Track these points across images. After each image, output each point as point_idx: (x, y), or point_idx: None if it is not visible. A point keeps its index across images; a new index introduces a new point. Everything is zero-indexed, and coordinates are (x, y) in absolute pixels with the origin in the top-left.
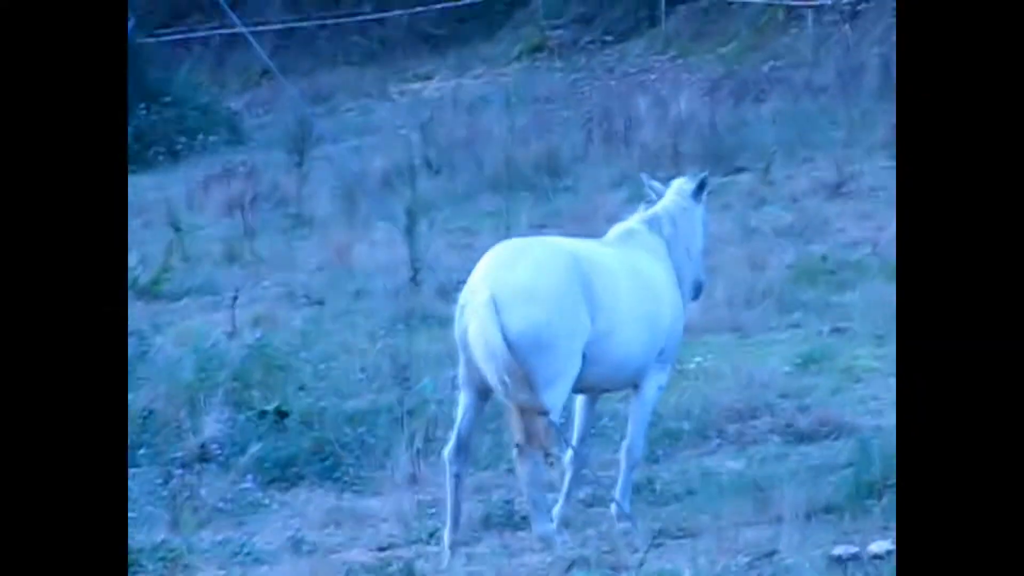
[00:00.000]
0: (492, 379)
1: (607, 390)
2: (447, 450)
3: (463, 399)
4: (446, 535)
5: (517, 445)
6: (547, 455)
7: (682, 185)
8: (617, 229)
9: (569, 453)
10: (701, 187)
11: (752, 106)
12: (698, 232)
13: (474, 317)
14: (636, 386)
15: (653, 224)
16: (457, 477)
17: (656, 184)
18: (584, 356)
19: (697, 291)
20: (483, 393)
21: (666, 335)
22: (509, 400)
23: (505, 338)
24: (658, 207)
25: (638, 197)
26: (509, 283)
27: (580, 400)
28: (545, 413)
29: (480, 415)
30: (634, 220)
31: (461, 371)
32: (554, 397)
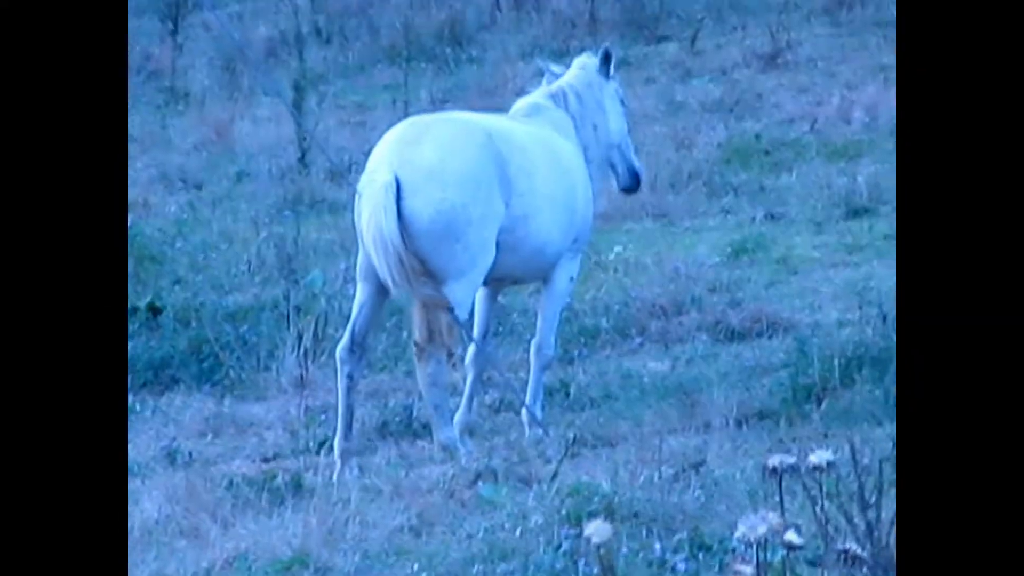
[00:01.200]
0: (386, 271)
1: (518, 282)
2: (340, 348)
3: (360, 292)
4: (336, 443)
5: (416, 344)
6: (450, 355)
7: (585, 60)
8: (521, 104)
9: (471, 351)
10: (606, 61)
11: None
12: (611, 110)
13: (371, 200)
14: (545, 277)
15: (558, 99)
16: (350, 378)
17: (554, 67)
18: (498, 244)
19: (635, 180)
20: (383, 287)
21: (580, 219)
22: (410, 294)
23: (409, 225)
24: (561, 81)
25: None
26: (414, 163)
27: (481, 293)
28: (450, 309)
29: (378, 311)
30: (538, 94)
31: (360, 261)
32: (462, 291)
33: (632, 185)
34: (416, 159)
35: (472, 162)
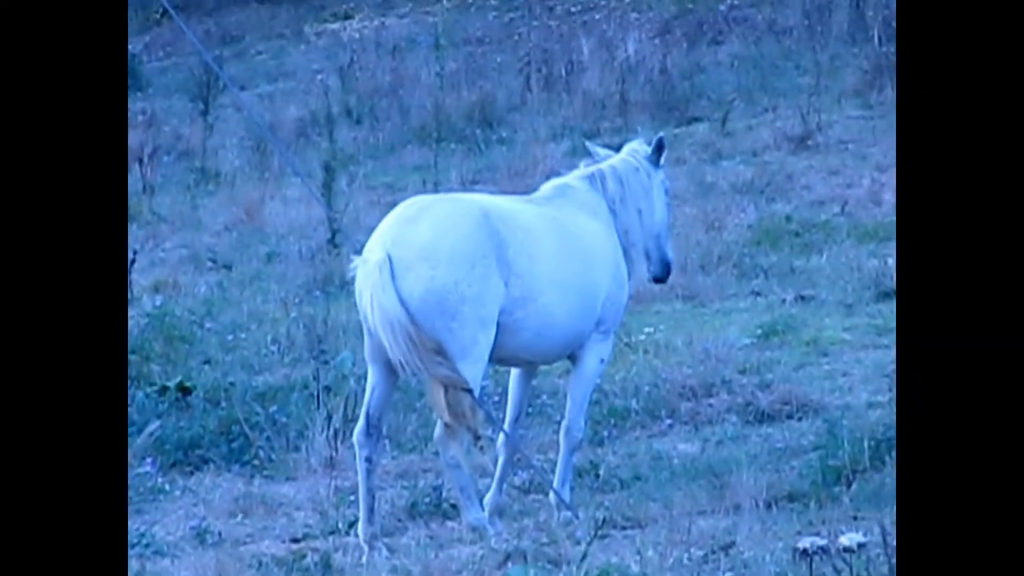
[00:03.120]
0: (392, 350)
1: (534, 362)
2: (356, 432)
3: (371, 374)
4: (361, 527)
5: (441, 425)
6: (476, 437)
7: (636, 146)
8: (550, 185)
9: (502, 436)
10: (659, 149)
11: (708, 49)
12: (655, 198)
13: (368, 280)
14: (574, 359)
15: (593, 180)
16: (369, 461)
17: (600, 149)
18: (499, 324)
19: (665, 270)
20: (392, 367)
21: (604, 302)
22: (422, 375)
23: (405, 304)
24: (603, 164)
25: (582, 150)
26: (408, 242)
27: (513, 375)
28: (467, 389)
29: (391, 391)
30: (572, 176)
31: (367, 343)
32: (468, 369)
33: (663, 275)
34: (410, 237)
35: (465, 241)
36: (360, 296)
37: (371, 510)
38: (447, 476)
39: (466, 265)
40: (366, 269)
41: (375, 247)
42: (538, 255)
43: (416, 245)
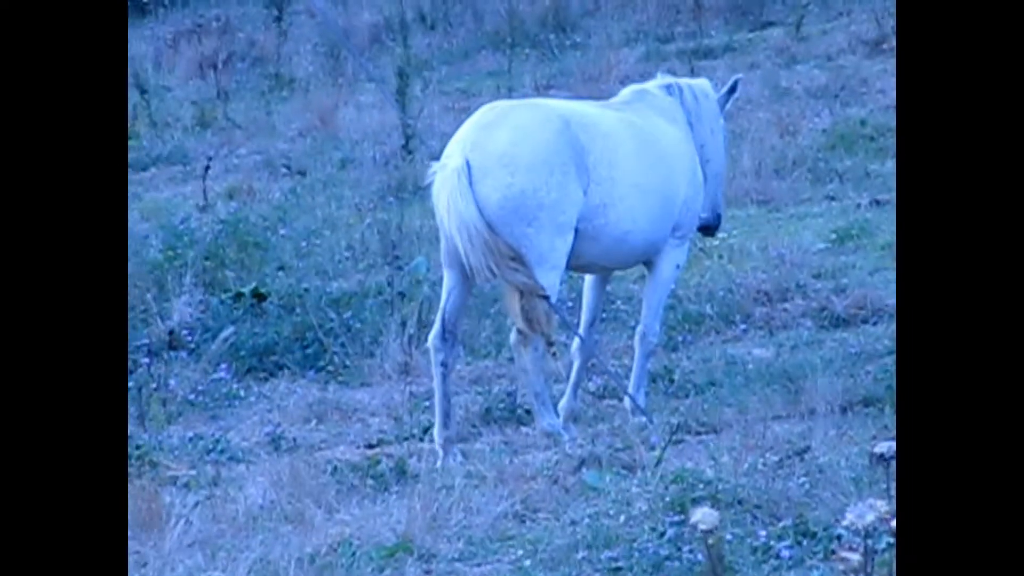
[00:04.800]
0: (467, 256)
1: (612, 268)
2: (432, 336)
3: (447, 278)
4: (436, 432)
5: (516, 331)
6: (550, 342)
7: (706, 86)
8: (628, 90)
9: (576, 340)
10: (732, 90)
11: None
12: (719, 134)
13: (445, 185)
14: (649, 265)
15: (672, 90)
16: (444, 366)
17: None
18: (578, 231)
19: (716, 219)
20: (467, 272)
21: (681, 208)
22: (497, 281)
23: (481, 209)
24: (680, 79)
25: (655, 54)
26: (487, 148)
27: (588, 280)
28: (544, 296)
29: (467, 297)
30: (651, 84)
31: (443, 247)
32: (546, 275)
33: (713, 222)
34: (488, 144)
35: (544, 147)
36: (437, 201)
37: (447, 415)
38: (521, 382)
39: (544, 171)
40: (444, 174)
41: (453, 152)
42: (618, 161)
43: (495, 151)
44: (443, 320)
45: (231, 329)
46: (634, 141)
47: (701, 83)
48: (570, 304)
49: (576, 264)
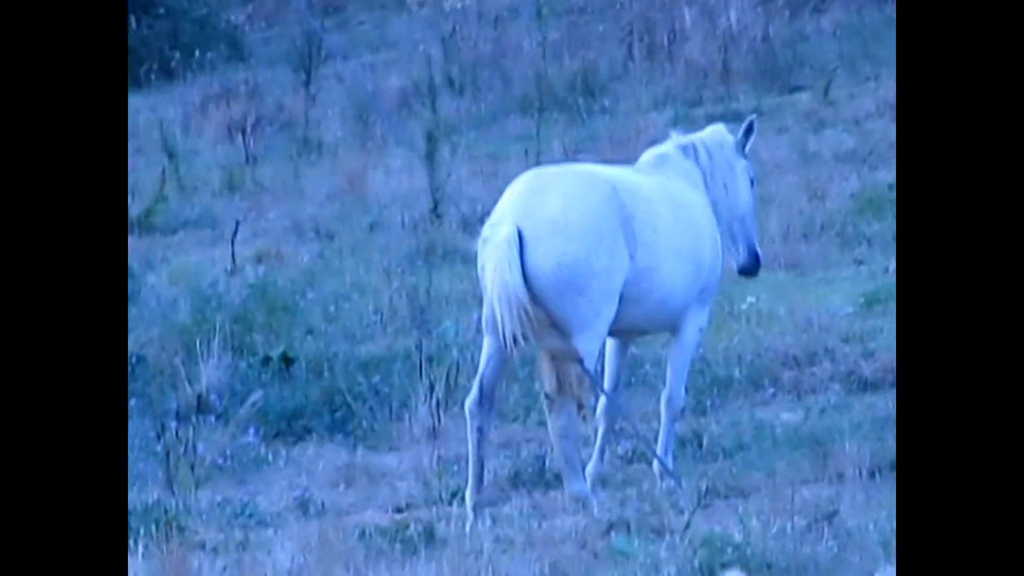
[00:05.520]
0: (507, 324)
1: (644, 332)
2: (469, 401)
3: (487, 345)
4: (468, 495)
5: (547, 395)
6: (580, 407)
7: (719, 128)
8: (650, 154)
9: (602, 403)
10: (748, 132)
11: (811, 17)
12: (742, 183)
13: (495, 253)
14: (674, 328)
15: (688, 151)
16: (480, 431)
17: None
18: (621, 296)
19: (754, 261)
20: (502, 339)
21: (707, 270)
22: (536, 346)
23: (532, 278)
24: (693, 136)
25: (684, 118)
26: (538, 215)
27: (609, 345)
28: (579, 360)
29: (505, 363)
30: (667, 145)
31: (485, 313)
32: (588, 342)
33: (751, 267)
34: (540, 211)
35: (596, 214)
36: (483, 269)
37: (479, 479)
38: (554, 445)
39: (596, 238)
40: (494, 242)
41: (504, 220)
42: (659, 225)
43: (547, 218)
44: (481, 385)
45: (259, 393)
46: (669, 206)
47: (714, 133)
48: (598, 368)
49: (619, 328)
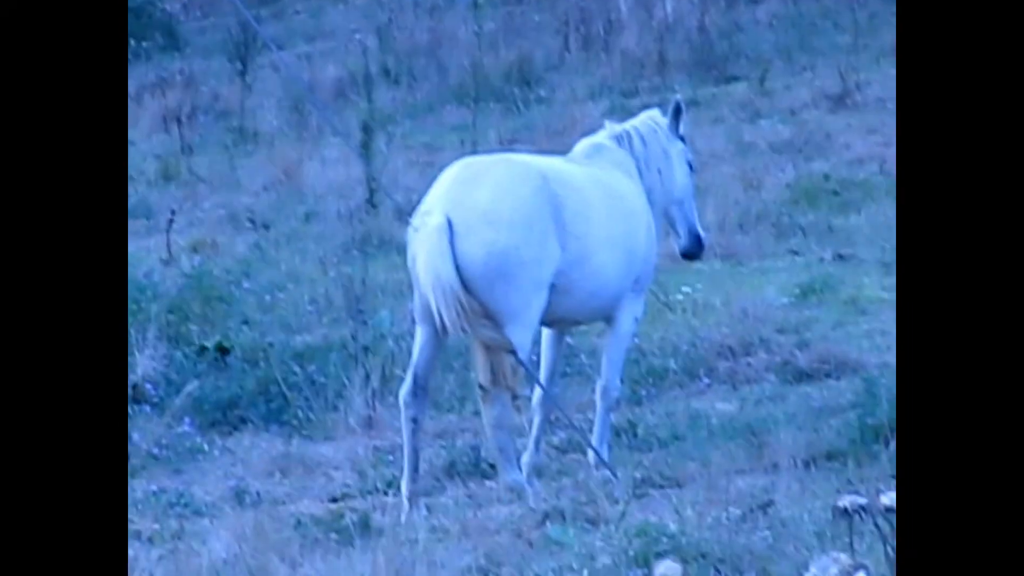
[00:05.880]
0: (443, 314)
1: (578, 323)
2: (403, 391)
3: (419, 335)
4: (404, 485)
5: (481, 386)
6: (515, 397)
7: (653, 114)
8: (584, 144)
9: (537, 394)
10: (676, 114)
11: (747, 8)
12: (678, 166)
13: (426, 243)
14: (609, 319)
15: (621, 140)
16: (414, 421)
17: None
18: (553, 286)
19: (697, 244)
20: (439, 328)
21: (641, 260)
22: (469, 336)
23: (462, 267)
24: (626, 124)
25: (620, 108)
26: (468, 205)
27: (545, 335)
28: (512, 351)
29: (438, 352)
30: (601, 135)
31: (416, 303)
32: (520, 333)
33: (694, 249)
34: (470, 201)
35: (526, 204)
36: (415, 259)
37: (415, 469)
38: (488, 436)
39: (526, 228)
40: (424, 232)
41: (434, 209)
42: (591, 216)
43: (477, 208)
44: (415, 376)
45: (195, 383)
46: (602, 195)
47: (647, 119)
48: (534, 358)
49: (551, 319)
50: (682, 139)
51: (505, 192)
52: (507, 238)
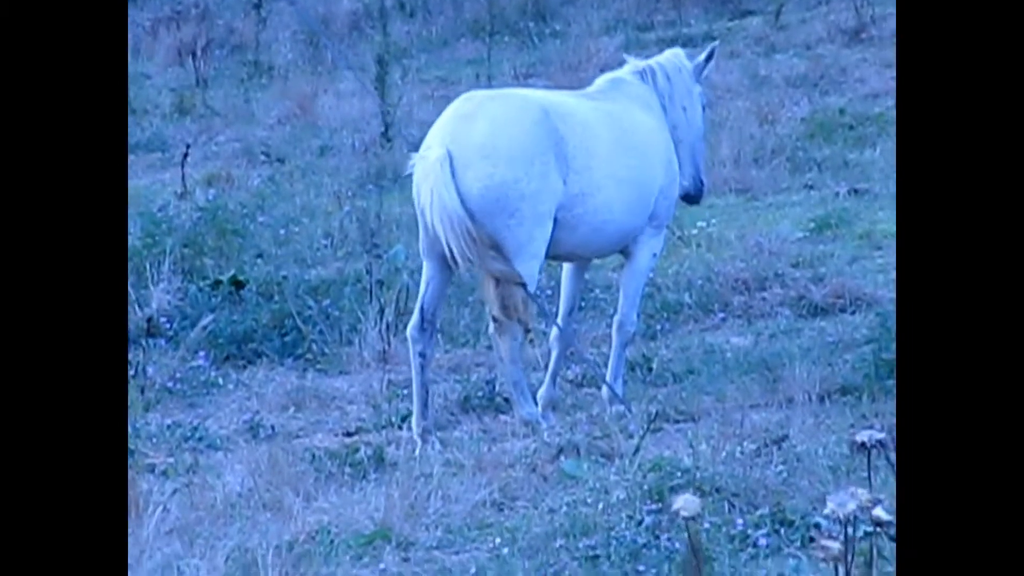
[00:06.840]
0: (452, 245)
1: (589, 257)
2: (410, 327)
3: (426, 270)
4: (415, 422)
5: (493, 318)
6: (527, 330)
7: (678, 50)
8: (604, 79)
9: (555, 329)
10: (709, 58)
11: None
12: (695, 104)
13: (427, 177)
14: (627, 253)
15: (644, 75)
16: (423, 356)
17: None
18: (556, 220)
19: (697, 187)
20: (447, 262)
21: (657, 196)
22: (476, 269)
23: (463, 201)
24: (651, 60)
25: (635, 43)
26: (467, 139)
27: (566, 269)
28: (521, 284)
29: (446, 287)
30: (624, 70)
31: (422, 238)
32: (525, 265)
33: (694, 192)
34: (469, 135)
35: (524, 138)
36: (418, 192)
37: (424, 404)
38: (500, 370)
39: (525, 162)
40: (425, 165)
41: (434, 143)
42: (596, 150)
43: (475, 142)
44: (422, 310)
45: (209, 317)
46: (611, 131)
47: (672, 56)
48: (549, 292)
49: (556, 253)
50: (699, 83)
51: (502, 126)
52: (504, 171)
